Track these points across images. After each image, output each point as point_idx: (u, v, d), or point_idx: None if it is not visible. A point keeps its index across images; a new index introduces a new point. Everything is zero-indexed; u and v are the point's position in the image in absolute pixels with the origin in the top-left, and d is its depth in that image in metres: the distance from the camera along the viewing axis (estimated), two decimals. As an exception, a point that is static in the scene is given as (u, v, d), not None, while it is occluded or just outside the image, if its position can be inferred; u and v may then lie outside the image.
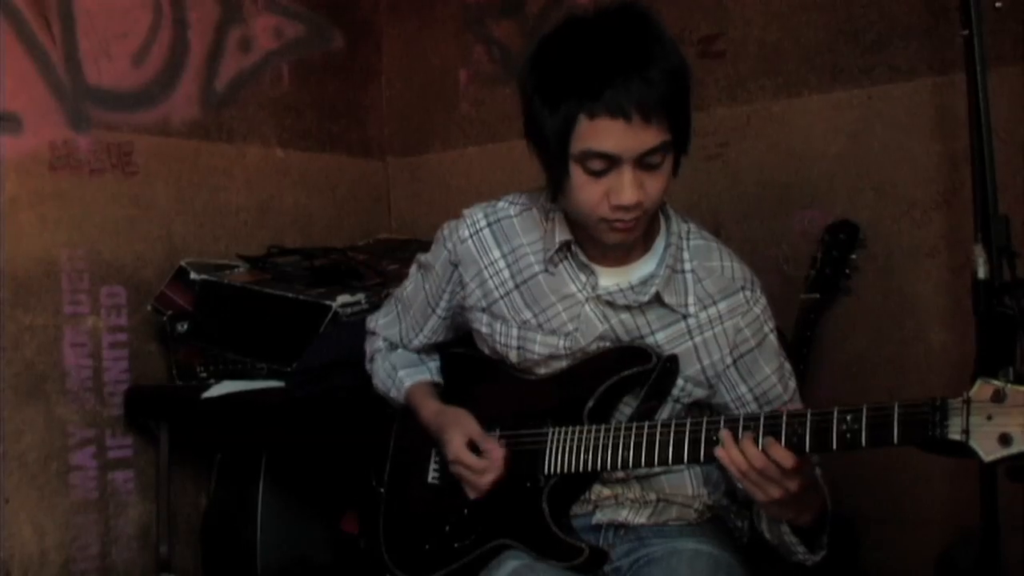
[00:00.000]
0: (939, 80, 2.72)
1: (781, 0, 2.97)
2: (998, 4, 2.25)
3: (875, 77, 2.83)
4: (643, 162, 1.73)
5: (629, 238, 1.84)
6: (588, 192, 1.76)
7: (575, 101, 1.70)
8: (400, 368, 2.17)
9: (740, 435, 1.66)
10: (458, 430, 1.95)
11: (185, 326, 3.03)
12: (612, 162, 1.72)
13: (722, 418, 1.71)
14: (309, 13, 3.63)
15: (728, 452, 1.66)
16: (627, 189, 1.73)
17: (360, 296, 2.91)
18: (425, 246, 2.16)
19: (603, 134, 1.70)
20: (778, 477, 1.63)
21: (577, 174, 1.76)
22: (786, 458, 1.61)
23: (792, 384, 1.98)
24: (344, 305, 2.86)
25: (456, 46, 3.70)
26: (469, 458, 1.91)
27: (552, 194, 1.87)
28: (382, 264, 3.26)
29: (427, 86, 3.79)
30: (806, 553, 1.82)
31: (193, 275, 3.05)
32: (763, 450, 1.63)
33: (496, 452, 1.90)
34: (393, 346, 2.23)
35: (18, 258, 2.86)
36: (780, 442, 1.62)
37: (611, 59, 1.69)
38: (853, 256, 2.78)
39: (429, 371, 2.17)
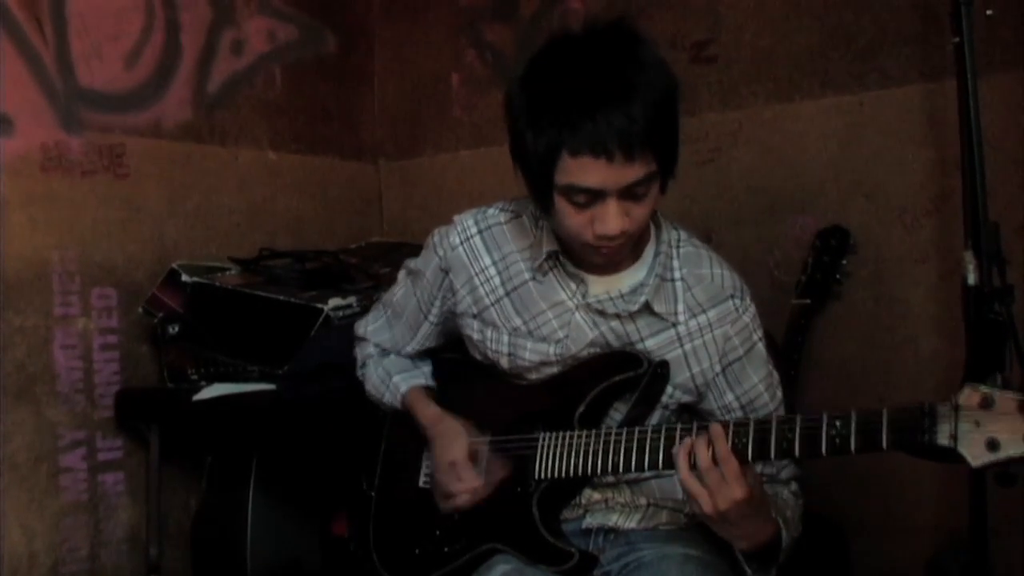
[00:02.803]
0: (930, 87, 2.72)
1: (773, 6, 2.98)
2: (989, 12, 2.25)
3: (866, 83, 2.84)
4: (628, 193, 1.73)
5: (615, 259, 1.86)
6: (573, 220, 1.77)
7: (557, 134, 1.69)
8: (395, 373, 2.16)
9: (728, 439, 1.66)
10: (445, 448, 1.96)
11: (176, 328, 3.02)
12: (596, 195, 1.72)
13: (710, 424, 1.70)
14: (302, 16, 3.63)
15: (682, 449, 1.68)
16: (612, 220, 1.73)
17: (352, 299, 2.91)
18: (417, 249, 2.16)
19: (586, 171, 1.69)
20: (716, 485, 1.64)
21: (561, 204, 1.76)
22: (728, 459, 1.63)
23: (779, 393, 1.99)
24: (336, 308, 2.85)
25: (448, 50, 3.70)
26: (469, 473, 1.92)
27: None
28: (374, 267, 3.26)
29: (419, 89, 3.79)
30: (752, 572, 1.82)
31: (185, 277, 3.04)
32: (711, 452, 1.64)
33: (468, 485, 1.92)
34: (385, 352, 2.23)
35: (8, 259, 2.85)
36: (770, 448, 1.63)
37: (594, 91, 1.68)
38: (844, 262, 2.79)
39: (424, 375, 2.17)
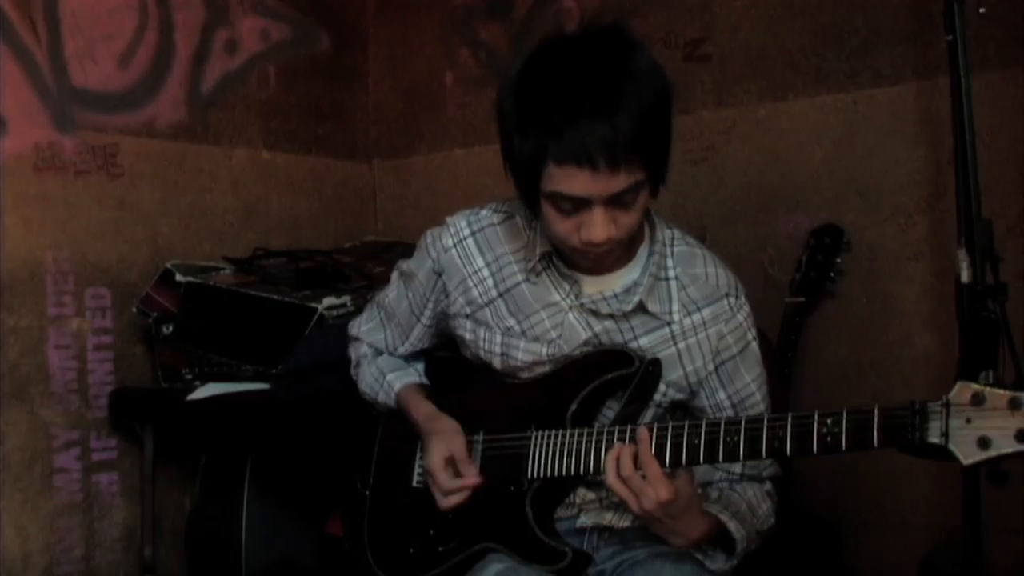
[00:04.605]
0: (923, 85, 2.73)
1: (767, 4, 2.98)
2: (982, 10, 2.25)
3: (860, 81, 2.84)
4: (615, 201, 1.72)
5: (603, 264, 1.86)
6: (560, 226, 1.76)
7: (542, 141, 1.68)
8: (388, 372, 2.16)
9: (721, 438, 1.67)
10: (443, 444, 1.95)
11: (170, 328, 3.02)
12: (582, 203, 1.71)
13: (704, 422, 1.71)
14: (296, 15, 3.63)
15: (611, 455, 1.71)
16: (598, 227, 1.72)
17: (346, 298, 2.91)
18: (411, 249, 2.16)
19: (570, 180, 1.68)
20: (639, 488, 1.67)
21: (548, 209, 1.76)
22: (649, 463, 1.67)
23: (767, 393, 1.99)
24: (330, 307, 2.85)
25: (442, 48, 3.70)
26: (441, 476, 1.92)
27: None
28: (368, 266, 3.26)
29: (413, 88, 3.79)
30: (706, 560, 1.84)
31: (178, 277, 3.04)
32: (634, 459, 1.68)
33: (469, 480, 1.90)
34: (378, 352, 2.23)
35: (2, 260, 2.84)
36: (761, 447, 1.63)
37: (579, 98, 1.66)
38: (838, 260, 2.79)
39: (417, 373, 2.17)
